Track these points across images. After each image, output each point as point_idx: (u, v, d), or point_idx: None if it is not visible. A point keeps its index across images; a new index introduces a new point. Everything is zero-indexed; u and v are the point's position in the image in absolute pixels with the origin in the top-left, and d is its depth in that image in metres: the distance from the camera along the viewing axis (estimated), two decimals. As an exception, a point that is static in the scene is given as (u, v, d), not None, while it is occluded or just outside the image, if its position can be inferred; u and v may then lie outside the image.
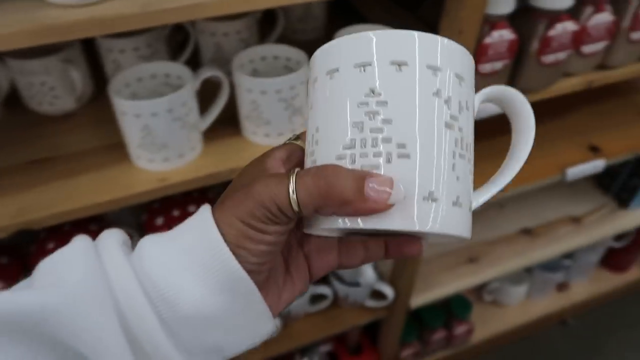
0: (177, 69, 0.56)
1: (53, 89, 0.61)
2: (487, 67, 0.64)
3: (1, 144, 0.61)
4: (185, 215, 0.67)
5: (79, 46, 0.64)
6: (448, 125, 0.23)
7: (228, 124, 0.61)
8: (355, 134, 0.23)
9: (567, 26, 0.63)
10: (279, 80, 0.54)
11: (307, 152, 0.27)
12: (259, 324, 0.27)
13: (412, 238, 0.29)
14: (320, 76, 0.25)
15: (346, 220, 0.24)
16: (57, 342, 0.23)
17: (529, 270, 1.23)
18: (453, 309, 1.12)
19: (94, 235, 0.26)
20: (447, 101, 0.23)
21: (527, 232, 1.09)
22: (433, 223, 0.23)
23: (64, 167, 0.57)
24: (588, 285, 1.31)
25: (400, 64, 0.23)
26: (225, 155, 0.58)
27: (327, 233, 0.27)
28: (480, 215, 1.05)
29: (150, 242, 0.25)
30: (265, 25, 0.74)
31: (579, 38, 0.66)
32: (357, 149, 0.23)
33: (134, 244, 0.27)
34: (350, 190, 0.22)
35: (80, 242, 0.25)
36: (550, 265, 1.21)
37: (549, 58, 0.66)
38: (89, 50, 0.66)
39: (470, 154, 0.25)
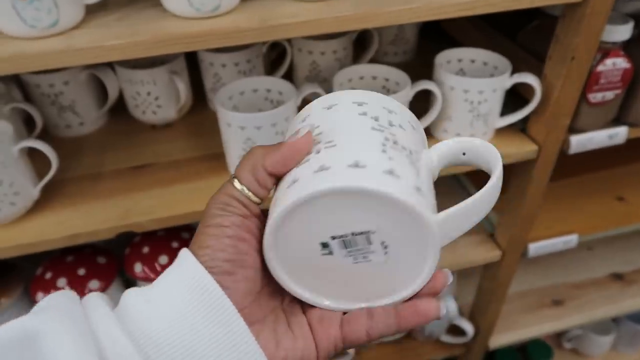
0: (279, 84, 0.57)
1: (158, 98, 0.64)
2: (597, 97, 0.60)
3: (108, 148, 0.63)
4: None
5: (183, 59, 0.66)
6: (374, 129, 0.29)
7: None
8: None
9: (689, 57, 0.59)
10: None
11: None
12: None
13: (424, 297, 0.29)
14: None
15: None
16: None
17: (615, 320, 1.13)
18: (530, 353, 1.05)
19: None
20: (375, 118, 0.30)
21: (618, 278, 1.00)
22: (363, 181, 0.26)
23: (165, 174, 0.58)
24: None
25: (330, 106, 0.32)
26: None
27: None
28: (567, 255, 0.97)
29: (134, 292, 0.27)
30: (357, 46, 0.74)
31: (701, 70, 0.61)
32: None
33: None
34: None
35: (66, 294, 0.27)
36: (640, 317, 1.10)
37: (666, 90, 0.61)
38: (190, 63, 0.69)
39: (413, 155, 0.29)
